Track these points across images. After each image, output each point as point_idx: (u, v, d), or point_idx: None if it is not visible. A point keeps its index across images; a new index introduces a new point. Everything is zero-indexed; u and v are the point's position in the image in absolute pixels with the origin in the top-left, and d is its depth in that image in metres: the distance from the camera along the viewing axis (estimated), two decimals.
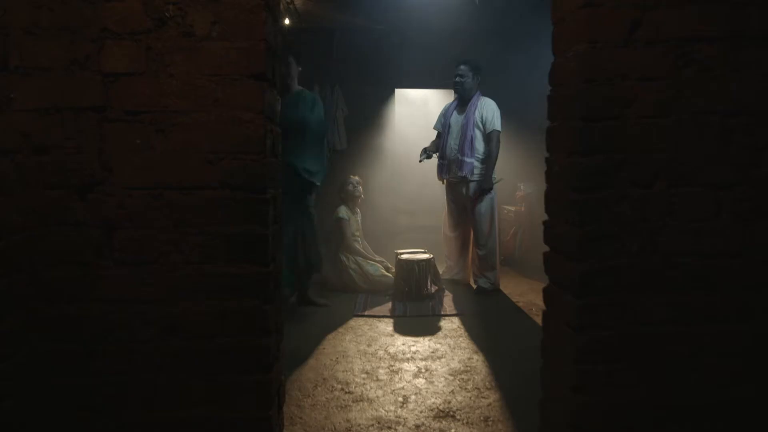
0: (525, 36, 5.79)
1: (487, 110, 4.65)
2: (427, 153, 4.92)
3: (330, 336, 3.59)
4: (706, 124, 1.65)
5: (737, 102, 1.64)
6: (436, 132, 5.05)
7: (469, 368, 2.98)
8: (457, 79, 4.73)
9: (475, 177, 4.66)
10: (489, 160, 4.63)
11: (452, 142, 4.78)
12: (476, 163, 4.65)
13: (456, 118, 4.82)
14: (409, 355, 3.20)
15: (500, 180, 4.84)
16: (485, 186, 4.61)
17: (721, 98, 1.64)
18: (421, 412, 2.46)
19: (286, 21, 5.33)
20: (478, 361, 3.10)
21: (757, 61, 1.63)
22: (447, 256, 5.21)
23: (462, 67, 4.73)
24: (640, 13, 1.60)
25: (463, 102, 4.80)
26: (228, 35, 1.68)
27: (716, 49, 1.62)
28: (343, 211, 4.87)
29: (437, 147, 4.97)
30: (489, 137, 4.63)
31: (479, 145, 4.65)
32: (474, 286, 4.81)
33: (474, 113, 4.66)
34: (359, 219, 5.09)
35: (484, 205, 4.66)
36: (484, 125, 4.64)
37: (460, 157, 4.68)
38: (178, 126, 1.69)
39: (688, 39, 1.62)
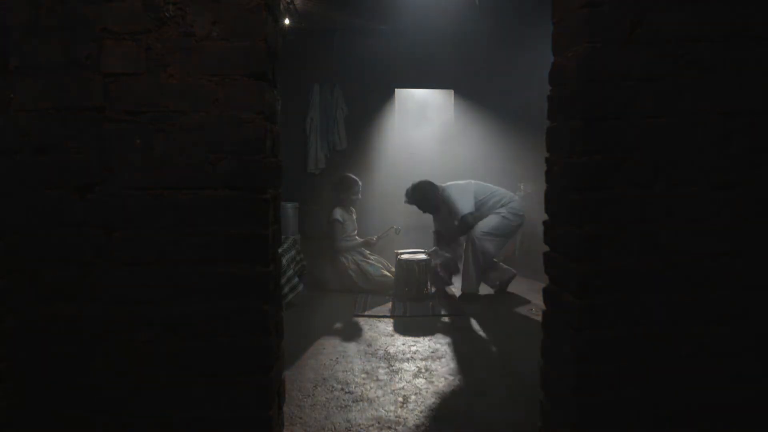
0: (525, 35, 5.79)
1: (450, 204, 4.71)
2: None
3: (330, 336, 3.59)
4: (706, 124, 1.65)
5: (737, 102, 1.64)
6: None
7: (468, 368, 2.98)
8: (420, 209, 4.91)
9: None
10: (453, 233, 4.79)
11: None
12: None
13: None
14: (409, 355, 3.20)
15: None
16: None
17: (721, 98, 1.64)
18: (421, 412, 2.46)
19: (286, 21, 5.33)
20: (478, 361, 3.10)
21: (757, 60, 1.63)
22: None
23: (414, 204, 4.86)
24: (640, 13, 1.60)
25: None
26: (228, 35, 1.68)
27: (716, 49, 1.62)
28: (338, 213, 4.87)
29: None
30: (459, 227, 4.70)
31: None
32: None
33: (446, 215, 4.80)
34: (354, 218, 5.11)
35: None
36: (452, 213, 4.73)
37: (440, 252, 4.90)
38: (178, 126, 1.69)
39: (688, 39, 1.62)
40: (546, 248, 1.90)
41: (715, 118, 1.64)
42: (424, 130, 7.08)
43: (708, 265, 1.68)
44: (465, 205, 4.62)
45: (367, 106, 6.60)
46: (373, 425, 2.34)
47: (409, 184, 4.96)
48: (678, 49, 1.62)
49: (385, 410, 2.48)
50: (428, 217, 6.35)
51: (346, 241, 4.89)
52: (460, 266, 4.76)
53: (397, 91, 6.78)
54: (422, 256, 4.62)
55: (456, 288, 4.87)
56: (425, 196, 4.78)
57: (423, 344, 3.41)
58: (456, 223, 4.70)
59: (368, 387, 2.74)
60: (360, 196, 5.05)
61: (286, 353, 2.12)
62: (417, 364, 3.05)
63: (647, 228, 1.66)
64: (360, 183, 5.03)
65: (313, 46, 6.37)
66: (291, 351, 3.12)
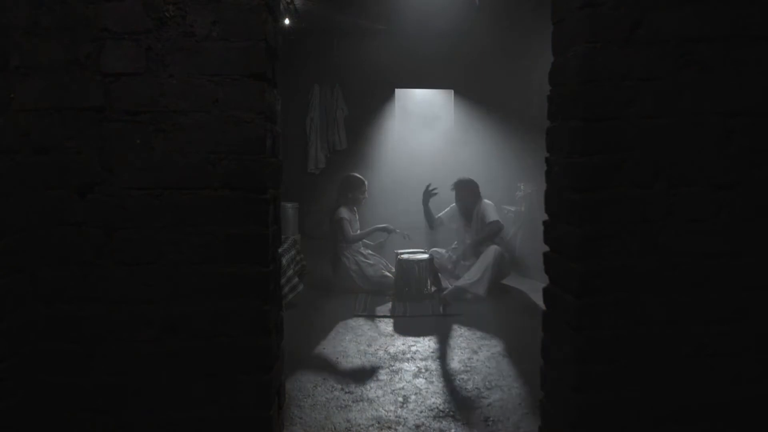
0: (525, 36, 5.79)
1: (484, 211, 4.84)
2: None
3: (330, 336, 3.59)
4: (706, 124, 1.65)
5: (737, 102, 1.64)
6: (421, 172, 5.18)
7: (469, 368, 2.98)
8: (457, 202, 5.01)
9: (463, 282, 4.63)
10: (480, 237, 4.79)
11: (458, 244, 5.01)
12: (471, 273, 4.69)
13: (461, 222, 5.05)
14: (409, 355, 3.20)
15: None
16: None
17: (721, 98, 1.64)
18: (421, 412, 2.46)
19: (286, 21, 5.33)
20: (478, 361, 3.10)
21: (757, 60, 1.63)
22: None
23: (461, 190, 4.96)
24: (640, 13, 1.60)
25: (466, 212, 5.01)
26: (228, 35, 1.68)
27: (716, 49, 1.62)
28: (344, 212, 4.88)
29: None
30: (489, 227, 4.76)
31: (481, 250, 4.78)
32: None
33: (477, 220, 4.89)
34: (357, 218, 5.11)
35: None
36: (482, 222, 4.82)
37: (462, 262, 4.87)
38: (178, 126, 1.70)
39: (688, 39, 1.62)
40: (546, 248, 1.90)
41: (715, 118, 1.65)
42: (424, 130, 7.08)
43: (708, 265, 1.68)
44: (495, 215, 4.88)
45: (367, 106, 6.60)
46: (373, 425, 2.34)
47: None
48: (678, 49, 1.62)
49: (385, 410, 2.48)
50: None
51: (355, 234, 4.93)
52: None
53: (398, 91, 6.79)
54: (422, 256, 4.62)
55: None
56: (474, 190, 4.96)
57: (423, 344, 3.41)
58: (484, 227, 4.83)
59: (368, 387, 2.74)
60: (366, 195, 5.06)
61: (286, 353, 2.12)
62: (417, 364, 3.05)
63: (647, 228, 1.66)
64: (366, 183, 5.03)
65: (313, 46, 6.38)
66: (291, 351, 3.11)
